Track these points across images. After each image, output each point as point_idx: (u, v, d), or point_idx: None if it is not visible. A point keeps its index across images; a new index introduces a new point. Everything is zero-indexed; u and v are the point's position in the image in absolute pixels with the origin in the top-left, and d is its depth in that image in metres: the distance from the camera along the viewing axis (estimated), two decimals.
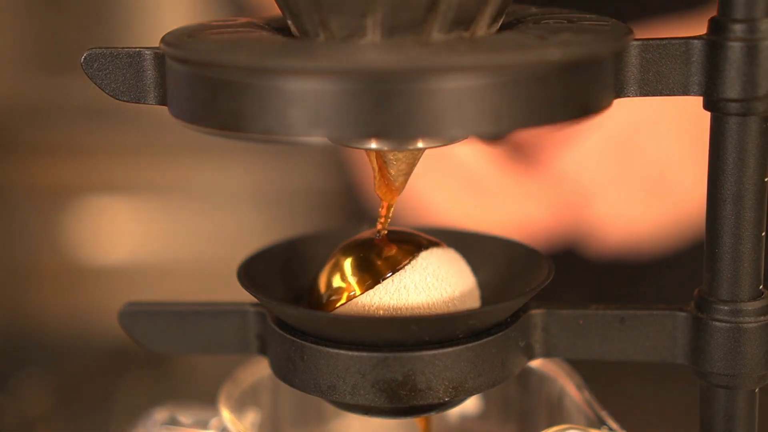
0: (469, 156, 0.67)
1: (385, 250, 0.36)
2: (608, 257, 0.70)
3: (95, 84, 0.34)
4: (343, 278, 0.35)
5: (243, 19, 0.35)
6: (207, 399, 0.41)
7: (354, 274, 0.35)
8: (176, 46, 0.31)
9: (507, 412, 0.44)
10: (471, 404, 0.44)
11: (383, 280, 0.35)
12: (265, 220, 1.30)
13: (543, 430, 0.36)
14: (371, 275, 0.35)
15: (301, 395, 0.41)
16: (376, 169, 0.36)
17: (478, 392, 0.34)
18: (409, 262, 0.35)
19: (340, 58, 0.29)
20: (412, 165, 0.36)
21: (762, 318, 0.34)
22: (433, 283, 0.35)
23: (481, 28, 0.32)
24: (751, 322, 0.34)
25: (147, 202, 1.48)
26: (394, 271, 0.35)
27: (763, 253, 0.34)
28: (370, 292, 0.35)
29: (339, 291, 0.35)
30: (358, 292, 0.35)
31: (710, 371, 0.35)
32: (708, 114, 0.33)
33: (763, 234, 0.34)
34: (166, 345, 0.37)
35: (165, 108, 0.33)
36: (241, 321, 0.37)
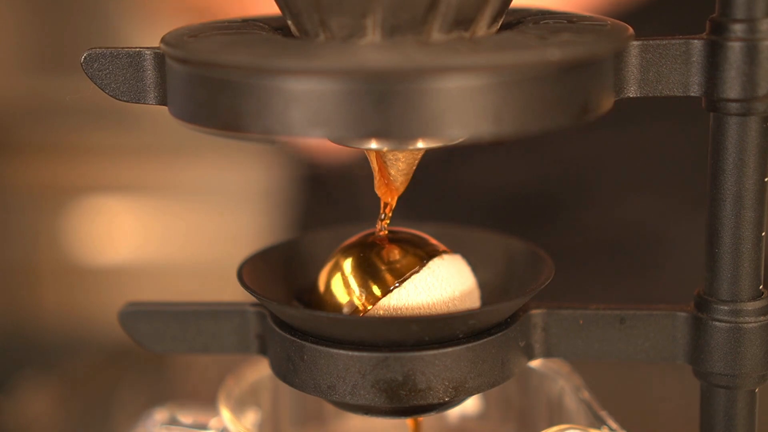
0: None
1: (389, 258, 0.35)
2: None
3: (95, 84, 0.34)
4: (349, 293, 0.35)
5: (243, 19, 0.35)
6: (207, 399, 0.41)
7: (361, 286, 0.35)
8: (176, 46, 0.31)
9: (507, 412, 0.44)
10: (471, 404, 0.44)
11: (389, 292, 0.35)
12: (265, 221, 1.30)
13: (543, 430, 0.36)
14: (379, 287, 0.35)
15: (301, 395, 0.41)
16: (376, 169, 0.36)
17: (478, 392, 0.34)
18: (413, 274, 0.35)
19: (340, 58, 0.29)
20: (412, 165, 0.36)
21: (762, 318, 0.34)
22: (433, 283, 0.35)
23: (481, 29, 0.32)
24: (751, 322, 0.34)
25: (147, 202, 1.48)
26: (400, 282, 0.35)
27: (763, 253, 0.34)
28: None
29: (348, 308, 0.35)
30: (369, 307, 0.35)
31: (710, 371, 0.35)
32: None
33: (763, 234, 0.34)
34: (166, 345, 0.37)
35: (165, 108, 0.33)
36: (241, 321, 0.37)
